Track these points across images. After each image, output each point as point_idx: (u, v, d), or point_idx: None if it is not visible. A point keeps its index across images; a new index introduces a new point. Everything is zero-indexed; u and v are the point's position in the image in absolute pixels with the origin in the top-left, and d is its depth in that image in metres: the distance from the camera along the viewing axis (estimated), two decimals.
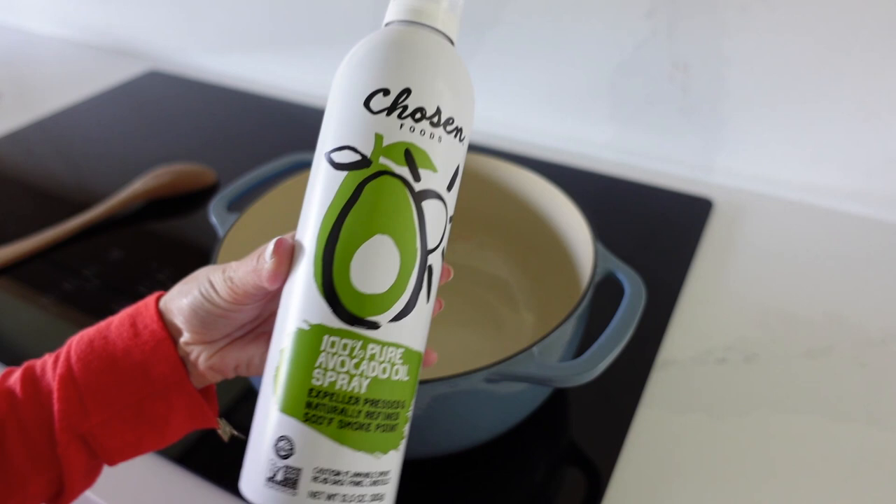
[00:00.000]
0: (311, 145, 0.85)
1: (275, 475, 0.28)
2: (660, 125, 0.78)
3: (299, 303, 0.29)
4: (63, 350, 0.33)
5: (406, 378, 0.30)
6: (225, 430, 0.37)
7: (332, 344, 0.28)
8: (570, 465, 0.48)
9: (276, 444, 0.28)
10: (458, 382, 0.39)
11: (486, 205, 0.60)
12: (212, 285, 0.32)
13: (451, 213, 0.32)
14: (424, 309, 0.30)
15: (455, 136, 0.31)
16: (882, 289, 0.61)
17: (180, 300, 0.33)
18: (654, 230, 0.69)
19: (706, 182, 0.76)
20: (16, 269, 0.67)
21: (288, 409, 0.28)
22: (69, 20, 1.22)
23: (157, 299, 0.34)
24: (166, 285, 0.65)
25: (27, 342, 0.59)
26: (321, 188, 0.30)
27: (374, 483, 0.29)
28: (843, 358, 0.54)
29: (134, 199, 0.76)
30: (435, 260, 0.31)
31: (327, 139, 0.30)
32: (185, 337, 0.33)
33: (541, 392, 0.47)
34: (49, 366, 0.33)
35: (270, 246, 0.30)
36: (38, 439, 0.32)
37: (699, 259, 0.65)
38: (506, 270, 0.61)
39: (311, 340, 0.28)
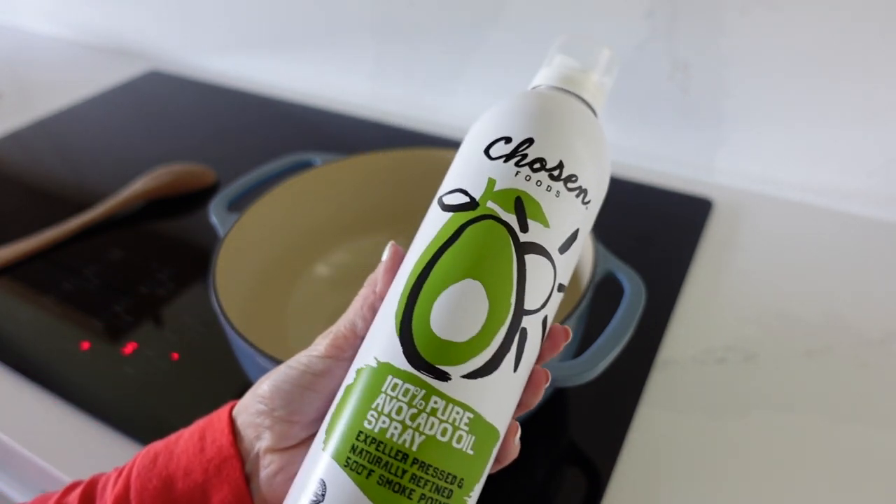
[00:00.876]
0: (311, 145, 0.85)
1: None
2: (660, 125, 0.78)
3: (375, 341, 0.27)
4: (129, 464, 0.30)
5: (471, 451, 0.26)
6: None
7: (395, 387, 0.25)
8: (570, 465, 0.48)
9: (307, 485, 0.25)
10: None
11: None
12: (303, 354, 0.29)
13: (562, 279, 0.29)
14: (509, 379, 0.27)
15: (578, 195, 0.29)
16: (882, 289, 0.61)
17: (259, 388, 0.29)
18: (654, 230, 0.69)
19: (706, 182, 0.76)
20: (16, 269, 0.67)
21: (332, 450, 0.25)
22: (69, 20, 1.22)
23: (231, 408, 0.30)
24: (166, 285, 0.65)
25: (27, 342, 0.59)
26: (425, 229, 0.28)
27: None
28: (843, 358, 0.54)
29: (134, 199, 0.76)
30: (532, 325, 0.27)
31: (444, 185, 0.29)
32: (265, 441, 0.28)
33: None
34: (111, 483, 0.30)
35: (387, 247, 0.29)
36: None
37: (699, 259, 0.65)
38: None
39: (375, 379, 0.26)
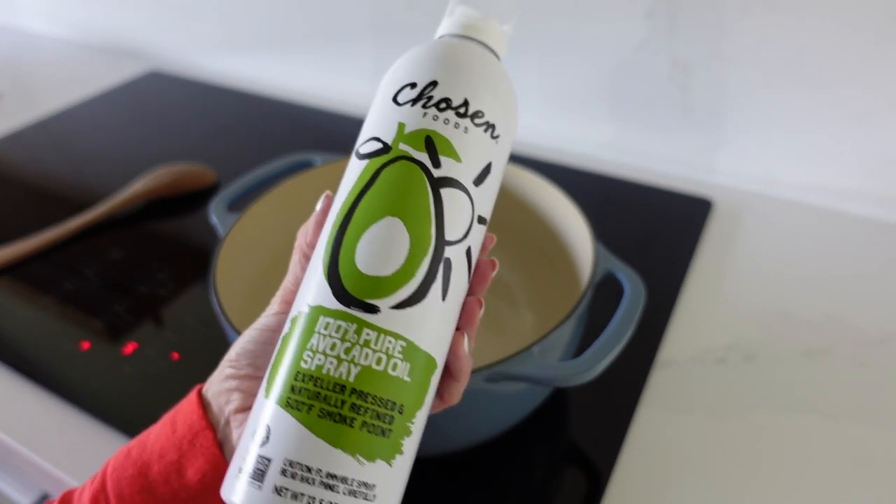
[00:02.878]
0: (311, 145, 0.85)
1: (246, 466, 0.25)
2: (660, 125, 0.78)
3: (307, 289, 0.28)
4: (103, 465, 0.30)
5: (407, 378, 0.27)
6: None
7: (326, 325, 0.26)
8: (570, 465, 0.48)
9: (255, 432, 0.26)
10: None
11: None
12: (262, 315, 0.30)
13: (481, 211, 0.30)
14: (439, 308, 0.28)
15: (486, 130, 0.30)
16: (882, 289, 0.61)
17: (227, 356, 0.30)
18: (654, 230, 0.69)
19: (706, 182, 0.76)
20: (16, 269, 0.67)
21: (272, 393, 0.26)
22: (69, 20, 1.22)
23: (199, 389, 0.31)
24: (166, 285, 0.65)
25: (27, 342, 0.59)
26: (345, 180, 0.30)
27: (352, 493, 0.25)
28: (843, 358, 0.54)
29: (134, 199, 0.76)
30: (456, 255, 0.29)
31: (359, 138, 0.30)
32: (233, 402, 0.29)
33: (541, 392, 0.47)
34: (87, 486, 0.30)
35: (320, 198, 0.31)
36: None
37: (699, 259, 0.65)
38: (506, 270, 0.61)
39: (308, 322, 0.27)
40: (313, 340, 0.26)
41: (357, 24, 0.90)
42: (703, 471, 0.47)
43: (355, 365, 0.26)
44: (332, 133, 0.90)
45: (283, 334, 0.28)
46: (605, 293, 0.49)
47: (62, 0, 1.20)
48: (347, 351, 0.26)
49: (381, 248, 0.27)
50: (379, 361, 0.26)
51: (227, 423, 0.29)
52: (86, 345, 0.58)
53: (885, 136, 0.67)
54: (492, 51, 0.32)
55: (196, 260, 0.68)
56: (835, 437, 0.48)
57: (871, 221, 0.69)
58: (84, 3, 1.18)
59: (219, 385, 0.30)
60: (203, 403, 0.30)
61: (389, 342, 0.26)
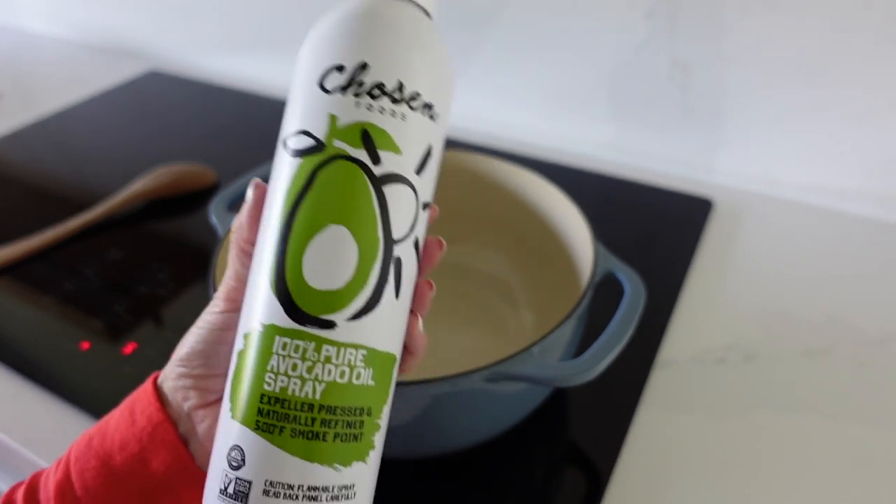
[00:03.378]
0: None
1: (226, 487, 0.26)
2: (660, 125, 0.78)
3: (255, 304, 0.27)
4: (66, 452, 0.31)
5: (371, 382, 0.27)
6: None
7: (284, 346, 0.26)
8: (570, 465, 0.48)
9: (228, 455, 0.26)
10: (458, 382, 0.39)
11: (486, 205, 0.60)
12: (206, 312, 0.30)
13: (424, 199, 0.29)
14: (393, 306, 0.27)
15: (424, 112, 0.28)
16: (882, 289, 0.61)
17: (177, 354, 0.30)
18: (654, 230, 0.69)
19: (706, 182, 0.76)
20: (16, 269, 0.67)
21: (240, 416, 0.26)
22: (69, 20, 1.22)
23: (155, 379, 0.31)
24: (166, 285, 0.65)
25: (27, 342, 0.59)
26: (278, 177, 0.28)
27: (335, 498, 0.26)
28: (843, 358, 0.54)
29: (134, 199, 0.76)
30: (404, 251, 0.28)
31: (286, 123, 0.28)
32: (191, 400, 0.29)
33: (541, 392, 0.47)
34: (51, 472, 0.30)
35: (249, 186, 0.29)
36: None
37: (699, 259, 0.65)
38: (506, 270, 0.61)
39: (263, 342, 0.26)
40: (273, 361, 0.26)
41: None
42: (703, 471, 0.47)
43: (320, 382, 0.26)
44: None
45: (237, 349, 0.27)
46: (605, 293, 0.49)
47: (62, 0, 1.20)
48: (310, 370, 0.26)
49: (328, 259, 0.26)
50: (342, 375, 0.26)
51: (189, 417, 0.29)
52: (86, 345, 0.58)
53: (885, 136, 0.67)
54: (422, 8, 0.29)
55: (196, 260, 0.68)
56: (835, 437, 0.48)
57: (871, 221, 0.69)
58: (84, 3, 1.18)
59: (173, 382, 0.30)
60: (160, 396, 0.30)
61: (350, 354, 0.26)
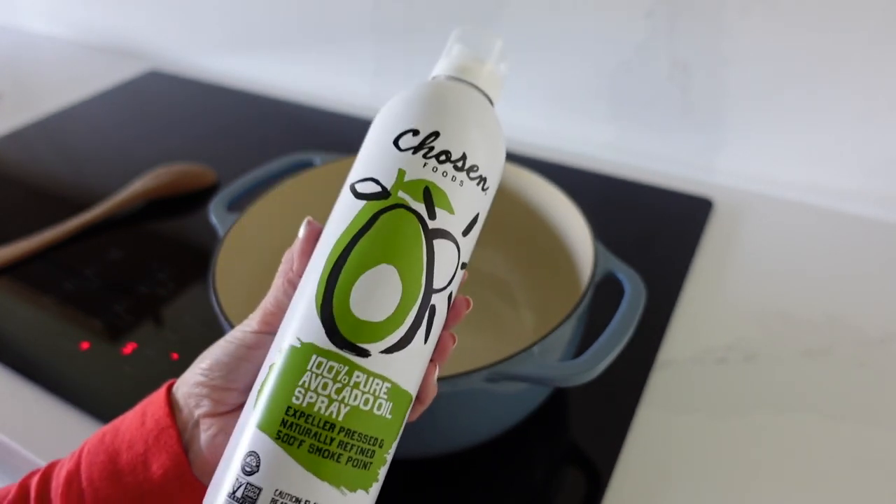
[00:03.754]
0: (311, 145, 0.85)
1: (235, 491, 0.27)
2: (660, 125, 0.78)
3: (297, 322, 0.29)
4: (81, 445, 0.32)
5: (389, 416, 0.29)
6: None
7: (319, 365, 0.27)
8: (570, 465, 0.48)
9: (244, 459, 0.27)
10: (458, 382, 0.39)
11: None
12: (237, 329, 0.31)
13: (464, 259, 0.31)
14: (420, 350, 0.30)
15: (479, 184, 0.31)
16: (882, 289, 0.61)
17: (199, 364, 0.31)
18: (654, 230, 0.69)
19: (706, 182, 0.76)
20: (16, 269, 0.67)
21: (263, 425, 0.27)
22: (69, 20, 1.22)
23: (170, 385, 0.32)
24: (166, 285, 0.65)
25: (27, 342, 0.59)
26: (339, 215, 0.30)
27: None
28: (843, 358, 0.54)
29: (134, 199, 0.76)
30: (439, 302, 0.30)
31: (354, 171, 0.31)
32: (203, 408, 0.30)
33: (541, 392, 0.47)
34: (65, 463, 0.32)
35: (302, 224, 0.31)
36: None
37: (699, 259, 0.65)
38: (506, 270, 0.61)
39: (299, 358, 0.28)
40: (305, 378, 0.27)
41: (357, 24, 0.90)
42: (703, 471, 0.47)
43: (345, 405, 0.27)
44: (331, 133, 0.90)
45: (270, 362, 0.29)
46: (605, 293, 0.49)
47: (62, 0, 1.20)
48: (338, 392, 0.27)
49: (375, 294, 0.28)
50: (367, 402, 0.28)
51: (196, 425, 0.31)
52: (85, 345, 0.58)
53: (885, 136, 0.67)
54: (488, 97, 0.33)
55: (196, 260, 0.68)
56: (835, 437, 0.48)
57: (871, 221, 0.69)
58: (84, 3, 1.18)
59: (189, 388, 0.31)
60: (171, 402, 0.31)
61: (377, 384, 0.28)
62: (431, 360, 0.31)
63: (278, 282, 0.31)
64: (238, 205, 0.57)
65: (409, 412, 0.30)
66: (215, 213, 0.55)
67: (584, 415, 0.51)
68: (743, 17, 0.67)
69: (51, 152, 0.90)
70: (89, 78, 1.08)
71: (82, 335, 0.59)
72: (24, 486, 0.32)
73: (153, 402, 0.32)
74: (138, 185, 0.76)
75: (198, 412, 0.30)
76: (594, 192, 0.75)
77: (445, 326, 0.31)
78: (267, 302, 0.31)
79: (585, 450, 0.49)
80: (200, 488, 0.30)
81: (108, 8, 1.15)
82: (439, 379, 0.38)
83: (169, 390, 0.32)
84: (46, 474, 0.32)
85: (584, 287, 0.46)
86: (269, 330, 0.30)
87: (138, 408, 0.32)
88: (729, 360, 0.55)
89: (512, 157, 0.79)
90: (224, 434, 0.30)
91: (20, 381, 0.56)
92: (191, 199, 0.77)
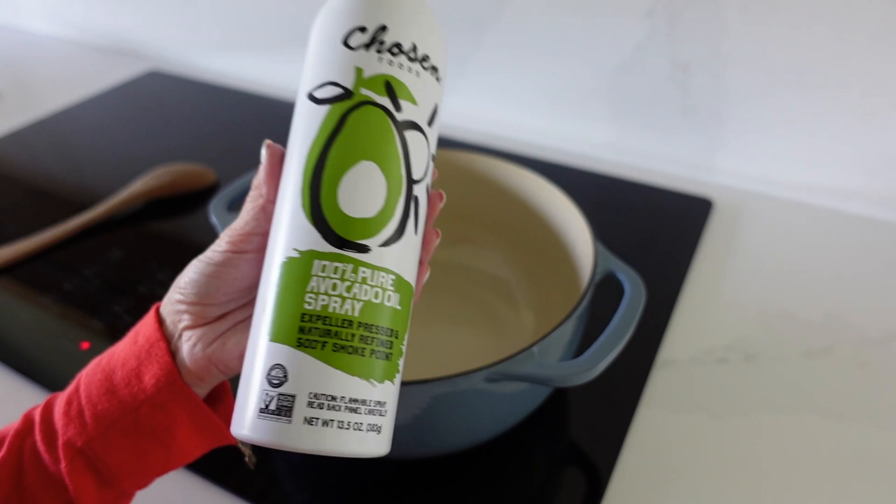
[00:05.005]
0: None
1: (268, 405, 0.27)
2: (660, 125, 0.78)
3: (288, 234, 0.29)
4: (77, 376, 0.34)
5: (399, 307, 0.30)
6: (247, 453, 0.36)
7: (324, 268, 0.28)
8: (570, 465, 0.48)
9: (268, 374, 0.28)
10: (458, 382, 0.39)
11: (486, 205, 0.60)
12: (209, 250, 0.32)
13: (432, 150, 0.32)
14: (413, 240, 0.31)
15: (431, 73, 0.32)
16: (882, 289, 0.61)
17: (177, 282, 0.33)
18: (654, 230, 0.69)
19: (706, 182, 0.76)
20: (16, 269, 0.67)
21: (279, 337, 0.28)
22: (69, 20, 1.22)
23: (158, 307, 0.34)
24: (166, 285, 0.65)
25: (27, 342, 0.59)
26: (304, 125, 0.30)
27: (371, 412, 0.28)
28: (843, 358, 0.54)
29: (134, 199, 0.76)
30: (420, 192, 0.31)
31: (307, 80, 0.31)
32: (184, 321, 0.32)
33: (541, 392, 0.47)
34: (65, 391, 0.33)
35: (262, 149, 0.31)
36: (48, 460, 0.31)
37: (699, 259, 0.65)
38: (506, 270, 0.61)
39: (301, 267, 0.28)
40: (313, 283, 0.28)
41: None
42: (703, 471, 0.47)
43: (358, 301, 0.28)
44: None
45: (266, 280, 0.29)
46: (605, 293, 0.49)
47: (62, 0, 1.20)
48: (349, 289, 0.28)
49: (362, 190, 0.29)
50: (377, 296, 0.29)
51: (179, 337, 0.32)
52: (86, 345, 0.58)
53: (885, 136, 0.67)
54: None
55: None
56: (835, 436, 0.48)
57: (871, 221, 0.69)
58: (84, 3, 1.18)
59: (171, 306, 0.32)
60: (159, 319, 0.33)
61: (383, 277, 0.29)
62: (420, 261, 0.32)
63: (248, 206, 0.32)
64: (238, 205, 0.57)
65: (412, 304, 0.31)
66: (215, 213, 0.55)
67: (584, 415, 0.51)
68: (743, 17, 0.67)
69: (51, 152, 0.90)
70: (89, 78, 1.08)
71: (82, 335, 0.59)
72: (27, 417, 0.33)
73: (144, 324, 0.33)
74: (138, 185, 0.76)
75: (180, 326, 0.32)
76: (594, 192, 0.75)
77: (427, 220, 0.32)
78: (236, 223, 0.32)
79: (585, 450, 0.49)
80: (191, 394, 0.32)
81: (108, 8, 1.15)
82: (440, 379, 0.39)
83: (157, 311, 0.33)
84: (48, 404, 0.33)
85: (584, 287, 0.46)
86: (236, 249, 0.31)
87: (131, 332, 0.34)
88: (729, 360, 0.55)
89: (512, 157, 0.79)
90: (202, 343, 0.32)
91: (20, 381, 0.56)
92: (191, 199, 0.77)
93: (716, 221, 0.70)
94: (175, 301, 0.32)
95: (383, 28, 0.30)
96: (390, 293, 0.29)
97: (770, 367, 0.54)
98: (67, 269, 0.67)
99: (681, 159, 0.78)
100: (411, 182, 0.30)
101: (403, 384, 0.38)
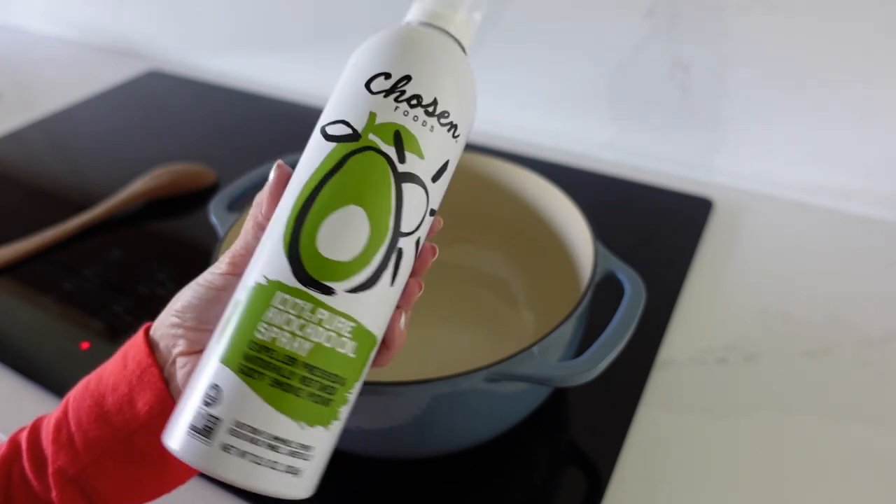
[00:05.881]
0: None
1: (196, 423, 0.27)
2: (660, 125, 0.78)
3: (264, 261, 0.29)
4: (67, 395, 0.33)
5: (352, 355, 0.29)
6: None
7: (284, 301, 0.28)
8: (570, 465, 0.48)
9: (205, 392, 0.28)
10: (458, 382, 0.39)
11: (486, 205, 0.60)
12: (207, 272, 0.32)
13: (433, 205, 0.32)
14: (387, 292, 0.30)
15: (449, 130, 0.31)
16: (882, 289, 0.61)
17: (173, 305, 0.32)
18: (654, 230, 0.69)
19: (706, 182, 0.76)
20: (16, 269, 0.67)
21: (227, 359, 0.28)
22: (69, 20, 1.22)
23: (147, 328, 0.33)
24: (166, 285, 0.65)
25: (27, 342, 0.59)
26: (310, 157, 0.30)
27: (293, 454, 0.28)
28: (843, 358, 0.54)
29: (134, 199, 0.76)
30: (407, 245, 0.31)
31: (326, 114, 0.31)
32: (179, 347, 0.31)
33: (541, 392, 0.47)
34: (52, 414, 0.32)
35: (273, 168, 0.32)
36: (38, 488, 0.31)
37: (699, 259, 0.65)
38: (506, 270, 0.61)
39: (264, 295, 0.28)
40: (269, 313, 0.28)
41: (357, 24, 0.90)
42: (703, 471, 0.47)
43: (308, 341, 0.28)
44: None
45: (235, 300, 0.29)
46: (605, 293, 0.49)
47: (62, 0, 1.20)
48: (302, 328, 0.28)
49: (342, 233, 0.29)
50: (329, 339, 0.28)
51: (173, 362, 0.31)
52: (85, 345, 0.58)
53: (885, 136, 0.67)
54: (460, 44, 0.34)
55: (196, 260, 0.68)
56: (835, 437, 0.48)
57: (871, 221, 0.69)
58: (84, 3, 1.18)
59: (165, 329, 0.32)
60: (150, 343, 0.32)
61: (341, 322, 0.29)
62: (398, 307, 0.32)
63: (248, 225, 0.32)
64: (238, 205, 0.57)
65: (373, 355, 0.31)
66: (215, 213, 0.55)
67: (584, 415, 0.51)
68: (743, 16, 0.67)
69: (51, 152, 0.90)
70: (89, 78, 1.08)
71: (82, 335, 0.59)
72: (14, 442, 0.32)
73: (133, 346, 0.32)
74: (138, 185, 0.76)
75: (175, 351, 0.31)
76: (594, 192, 0.75)
77: (413, 272, 0.32)
78: (237, 245, 0.32)
79: (585, 450, 0.49)
80: None
81: (108, 8, 1.15)
82: (440, 379, 0.39)
83: (147, 333, 0.33)
84: (35, 427, 0.32)
85: (584, 287, 0.46)
86: (238, 272, 0.31)
87: (119, 354, 0.33)
88: (729, 360, 0.55)
89: (512, 157, 0.79)
90: None
91: (20, 381, 0.56)
92: (191, 199, 0.77)
93: (716, 221, 0.70)
94: (170, 325, 0.32)
95: (407, 78, 0.31)
96: (346, 340, 0.29)
97: (770, 367, 0.54)
98: (67, 269, 0.67)
99: (681, 159, 0.78)
100: (398, 234, 0.30)
101: (404, 384, 0.38)
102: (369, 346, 0.30)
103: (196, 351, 0.31)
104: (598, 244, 0.49)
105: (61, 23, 1.23)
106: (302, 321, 0.28)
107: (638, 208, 0.73)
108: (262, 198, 0.32)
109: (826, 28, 0.64)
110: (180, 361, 0.31)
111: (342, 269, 0.29)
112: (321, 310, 0.28)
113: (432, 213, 0.32)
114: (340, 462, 0.47)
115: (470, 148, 0.82)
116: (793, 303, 0.60)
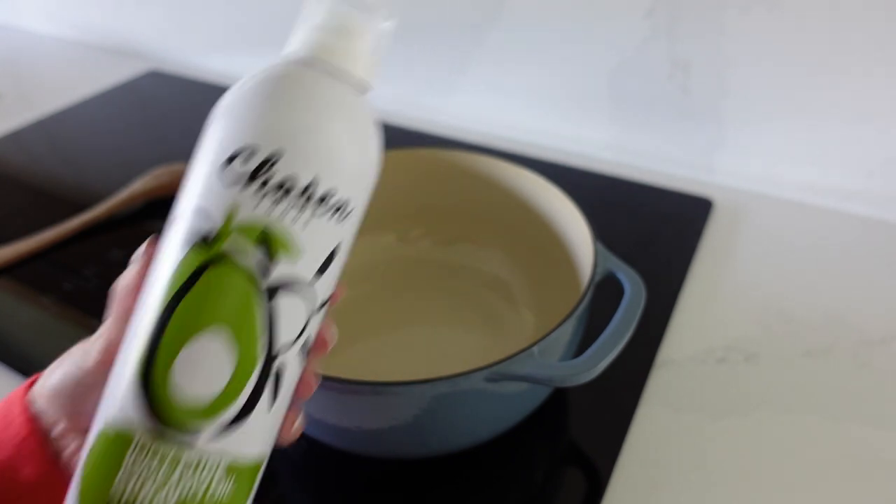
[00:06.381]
0: None
1: None
2: (660, 125, 0.78)
3: (117, 395, 0.25)
4: None
5: (229, 491, 0.25)
6: None
7: (141, 448, 0.24)
8: (570, 465, 0.48)
9: None
10: (458, 382, 0.39)
11: (486, 205, 0.60)
12: (84, 351, 0.28)
13: (323, 298, 0.27)
14: (266, 416, 0.26)
15: (335, 213, 0.26)
16: (882, 289, 0.61)
17: (49, 379, 0.29)
18: (654, 230, 0.69)
19: (706, 182, 0.76)
20: (16, 269, 0.67)
21: None
22: (69, 20, 1.22)
23: (31, 384, 0.30)
24: None
25: (27, 342, 0.59)
26: (166, 256, 0.26)
27: None
28: (843, 358, 0.54)
29: (134, 199, 0.76)
30: (286, 361, 0.26)
31: (183, 195, 0.26)
32: (59, 427, 0.28)
33: (541, 392, 0.47)
34: None
35: (143, 247, 0.27)
36: None
37: (699, 259, 0.65)
38: (506, 270, 0.61)
39: (117, 442, 0.24)
40: (126, 464, 0.24)
41: None
42: (703, 471, 0.47)
43: (173, 491, 0.24)
44: None
45: (90, 443, 0.25)
46: (605, 293, 0.49)
47: (62, 0, 1.20)
48: (165, 479, 0.24)
49: (201, 367, 0.24)
50: (199, 485, 0.24)
51: (60, 437, 0.29)
52: None
53: (885, 135, 0.67)
54: (358, 81, 0.27)
55: None
56: (835, 437, 0.48)
57: (871, 221, 0.69)
58: (84, 3, 1.18)
59: (45, 402, 0.29)
60: (31, 410, 0.29)
61: (211, 464, 0.25)
62: (290, 408, 0.28)
63: (117, 311, 0.28)
64: None
65: (261, 470, 0.27)
66: None
67: (584, 415, 0.51)
68: (743, 16, 0.67)
69: (51, 152, 0.90)
70: (89, 78, 1.08)
71: (82, 335, 0.59)
72: None
73: (14, 403, 0.29)
74: (138, 185, 0.76)
75: (57, 428, 0.29)
76: (594, 192, 0.75)
77: (308, 365, 0.28)
78: (109, 333, 0.28)
79: (585, 450, 0.49)
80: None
81: (109, 8, 1.15)
82: (440, 379, 0.39)
83: (27, 391, 0.30)
84: None
85: (584, 287, 0.46)
86: (110, 363, 0.27)
87: (3, 403, 0.30)
88: (729, 360, 0.55)
89: (512, 157, 0.79)
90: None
91: (20, 382, 0.55)
92: None
93: (716, 221, 0.70)
94: (50, 398, 0.29)
95: (276, 155, 0.25)
96: (219, 482, 0.25)
97: (770, 367, 0.54)
98: (67, 269, 0.67)
99: (681, 159, 0.78)
100: (273, 355, 0.25)
101: (404, 384, 0.38)
102: (252, 473, 0.26)
103: (79, 429, 0.28)
104: (598, 244, 0.49)
105: (61, 23, 1.23)
106: (164, 471, 0.24)
107: (638, 208, 0.73)
108: (127, 281, 0.28)
109: (826, 28, 0.64)
110: (66, 440, 0.29)
111: (206, 409, 0.24)
112: (187, 453, 0.24)
113: (321, 306, 0.27)
114: (340, 462, 0.48)
115: (470, 148, 0.82)
116: (793, 303, 0.60)
